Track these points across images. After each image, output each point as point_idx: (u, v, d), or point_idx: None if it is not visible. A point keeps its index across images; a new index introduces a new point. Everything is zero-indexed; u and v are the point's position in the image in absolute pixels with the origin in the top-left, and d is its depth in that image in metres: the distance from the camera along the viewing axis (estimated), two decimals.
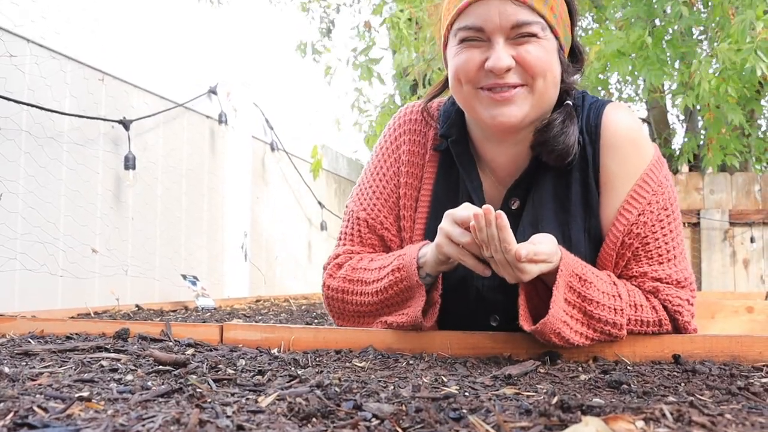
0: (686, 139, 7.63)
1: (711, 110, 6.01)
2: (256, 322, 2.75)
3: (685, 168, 7.21)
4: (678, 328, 1.61)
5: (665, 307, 1.58)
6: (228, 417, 0.89)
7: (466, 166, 1.71)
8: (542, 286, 1.52)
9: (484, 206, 1.38)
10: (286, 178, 6.02)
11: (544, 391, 1.15)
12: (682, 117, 7.67)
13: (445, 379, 1.24)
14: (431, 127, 1.78)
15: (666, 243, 1.60)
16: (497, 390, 1.15)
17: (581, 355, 1.53)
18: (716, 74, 5.28)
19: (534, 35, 1.50)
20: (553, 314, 1.42)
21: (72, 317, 2.37)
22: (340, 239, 1.86)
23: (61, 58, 3.29)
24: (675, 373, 1.34)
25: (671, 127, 8.31)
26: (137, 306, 3.26)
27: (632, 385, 1.18)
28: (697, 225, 6.62)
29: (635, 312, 1.55)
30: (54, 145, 3.23)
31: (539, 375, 1.32)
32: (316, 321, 2.89)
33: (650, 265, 1.60)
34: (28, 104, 3.01)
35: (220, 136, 4.81)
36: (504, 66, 1.49)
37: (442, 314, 1.72)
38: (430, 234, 1.70)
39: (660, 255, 1.60)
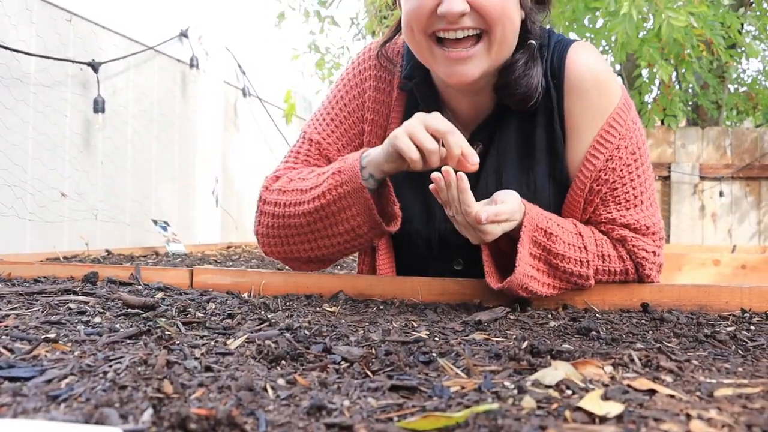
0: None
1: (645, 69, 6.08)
2: (227, 267, 2.74)
3: (656, 121, 7.25)
4: (641, 277, 1.60)
5: (631, 257, 1.58)
6: (196, 359, 0.89)
7: (431, 110, 1.66)
8: (506, 239, 1.49)
9: (443, 168, 1.33)
10: (258, 123, 5.96)
11: (514, 336, 1.15)
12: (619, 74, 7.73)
13: (415, 324, 1.25)
14: (397, 64, 1.72)
15: (634, 188, 1.57)
16: (467, 335, 1.16)
17: (551, 303, 1.54)
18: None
19: None
20: (519, 271, 1.41)
21: (41, 261, 2.34)
22: (285, 158, 1.76)
23: None
24: (643, 321, 1.35)
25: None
26: (107, 251, 3.23)
27: (601, 332, 1.18)
28: (667, 178, 6.67)
29: (603, 262, 1.55)
30: (20, 87, 3.15)
31: (509, 321, 1.33)
32: (286, 267, 2.89)
33: (618, 211, 1.57)
34: None
35: (191, 81, 4.73)
36: (457, 11, 1.41)
37: (404, 259, 1.73)
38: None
39: (628, 200, 1.57)
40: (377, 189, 1.52)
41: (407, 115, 1.65)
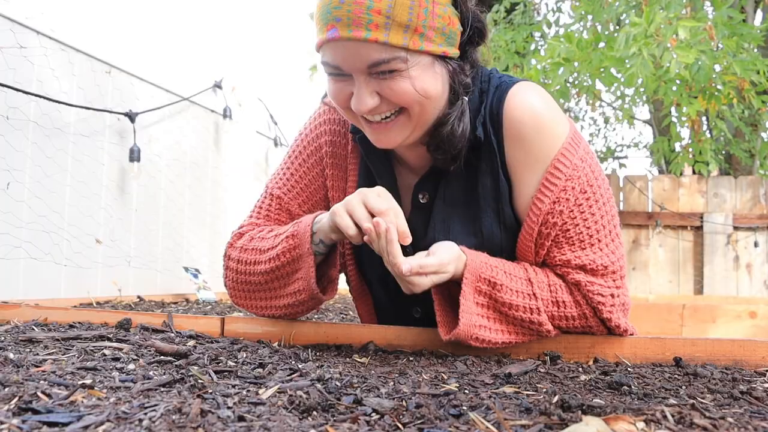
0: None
1: (693, 119, 6.04)
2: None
3: (688, 170, 7.20)
4: (602, 321, 1.56)
5: (587, 301, 1.54)
6: (229, 408, 0.90)
7: (376, 163, 1.66)
8: (457, 288, 1.49)
9: (374, 219, 1.38)
10: None
11: (545, 390, 1.15)
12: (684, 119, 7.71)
13: (445, 377, 1.25)
14: None
15: (588, 227, 1.52)
16: (497, 388, 1.16)
17: (581, 356, 1.53)
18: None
19: (395, 70, 1.40)
20: (464, 322, 1.43)
21: (75, 306, 2.38)
22: (250, 213, 1.80)
23: (69, 50, 3.29)
24: (676, 376, 1.34)
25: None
26: (139, 297, 3.26)
27: (633, 387, 1.18)
28: (700, 228, 6.61)
29: (557, 308, 1.52)
30: (60, 136, 3.24)
31: (539, 374, 1.32)
32: (316, 316, 2.90)
33: (573, 252, 1.53)
34: (36, 95, 3.01)
35: (224, 131, 4.81)
36: (366, 109, 1.43)
37: (377, 306, 1.78)
38: None
39: (582, 240, 1.53)
40: (328, 252, 1.59)
41: (363, 166, 1.70)
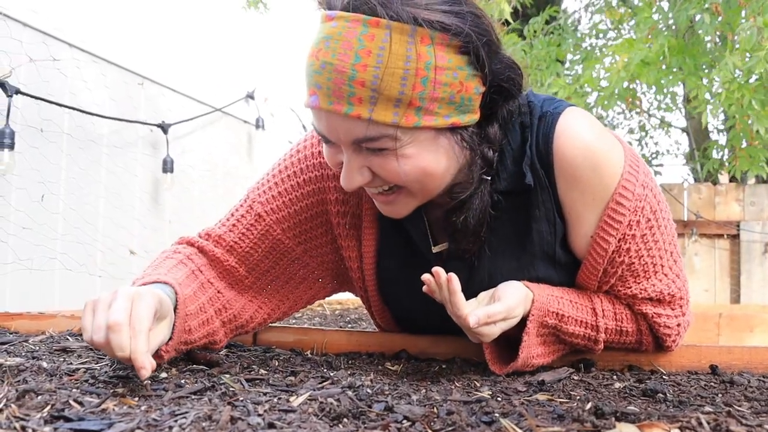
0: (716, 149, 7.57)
1: (739, 121, 5.89)
2: (289, 325, 2.76)
3: (725, 178, 7.08)
4: (660, 347, 1.51)
5: (652, 331, 1.49)
6: (259, 415, 0.90)
7: (409, 218, 1.42)
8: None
9: (434, 268, 1.25)
10: None
11: (578, 397, 1.13)
12: (721, 127, 7.58)
13: (477, 384, 1.24)
14: None
15: (652, 257, 1.41)
16: (530, 396, 1.15)
17: (615, 364, 1.51)
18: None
19: (385, 149, 1.22)
20: (522, 357, 1.35)
21: None
22: (225, 219, 1.59)
23: (101, 62, 3.34)
24: (712, 384, 1.31)
25: (710, 137, 8.22)
26: None
27: (668, 395, 1.16)
28: (736, 237, 6.50)
29: (620, 337, 1.47)
30: (94, 148, 3.28)
31: (572, 382, 1.31)
32: (349, 325, 2.90)
33: (638, 284, 1.43)
34: (69, 107, 3.06)
35: (257, 141, 4.85)
36: (354, 186, 1.27)
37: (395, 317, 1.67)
38: (383, 271, 1.56)
39: (647, 271, 1.42)
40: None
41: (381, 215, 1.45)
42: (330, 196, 1.52)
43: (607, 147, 1.37)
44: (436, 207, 1.44)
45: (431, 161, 1.24)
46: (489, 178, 1.36)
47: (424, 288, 1.28)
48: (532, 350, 1.37)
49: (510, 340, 1.41)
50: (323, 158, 1.46)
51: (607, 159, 1.35)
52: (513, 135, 1.39)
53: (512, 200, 1.40)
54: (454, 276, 1.23)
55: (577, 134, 1.36)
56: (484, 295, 1.36)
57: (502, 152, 1.38)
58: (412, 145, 1.22)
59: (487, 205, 1.36)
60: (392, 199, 1.32)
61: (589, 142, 1.35)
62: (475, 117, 1.26)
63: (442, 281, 1.24)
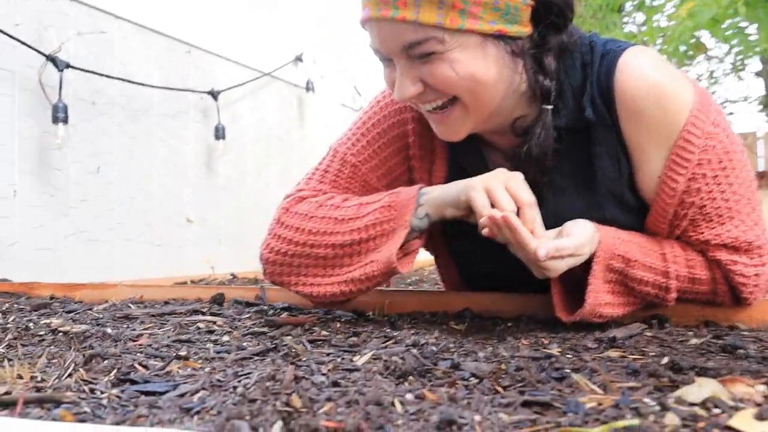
0: None
1: None
2: None
3: None
4: (737, 300, 1.46)
5: (726, 281, 1.43)
6: (323, 374, 0.90)
7: (463, 152, 1.51)
8: (581, 264, 1.36)
9: (487, 213, 1.25)
10: None
11: (652, 354, 1.11)
12: None
13: (545, 341, 1.22)
14: None
15: (727, 200, 1.37)
16: (601, 352, 1.13)
17: (691, 319, 1.48)
18: None
19: (433, 53, 1.26)
20: (590, 303, 1.32)
21: (171, 286, 2.45)
22: (310, 176, 1.64)
23: (148, 32, 3.37)
24: None
25: None
26: (233, 274, 3.34)
27: (749, 350, 1.12)
28: None
29: (692, 285, 1.42)
30: (145, 118, 3.33)
31: (645, 338, 1.28)
32: (411, 286, 2.90)
33: (711, 229, 1.39)
34: (119, 78, 3.10)
35: (307, 104, 4.85)
36: (406, 96, 1.32)
37: (487, 279, 1.66)
38: None
39: (721, 215, 1.38)
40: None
41: (452, 148, 1.53)
42: (411, 126, 1.56)
43: (672, 81, 1.35)
44: (497, 149, 1.50)
45: (480, 67, 1.28)
46: (550, 107, 1.37)
47: (484, 231, 1.28)
48: (600, 297, 1.34)
49: (576, 294, 1.39)
50: (401, 104, 1.55)
51: (672, 93, 1.33)
52: (573, 73, 1.39)
53: (573, 138, 1.41)
54: (509, 213, 1.23)
55: (640, 68, 1.35)
56: (550, 233, 1.34)
57: (562, 89, 1.39)
58: (459, 50, 1.26)
59: (550, 135, 1.37)
60: (446, 115, 1.35)
61: (652, 75, 1.34)
62: (524, 30, 1.29)
63: (499, 222, 1.24)
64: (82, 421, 0.72)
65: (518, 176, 1.33)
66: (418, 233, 1.41)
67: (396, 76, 1.32)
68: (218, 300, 1.74)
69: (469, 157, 1.51)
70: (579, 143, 1.41)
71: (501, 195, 1.28)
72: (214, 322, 1.43)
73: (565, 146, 1.40)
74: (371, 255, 1.41)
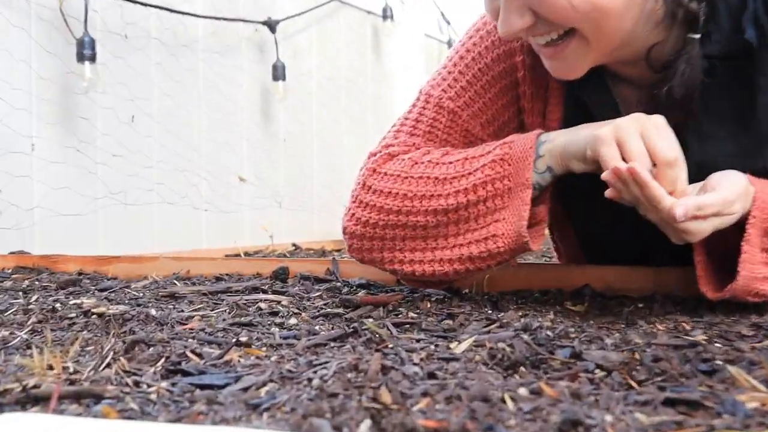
0: None
1: None
2: None
3: None
4: None
5: None
6: (416, 364, 0.91)
7: (587, 90, 1.50)
8: (732, 229, 1.32)
9: (612, 167, 1.20)
10: None
11: None
12: None
13: (686, 327, 1.21)
14: None
15: None
16: (759, 341, 1.10)
17: None
18: None
19: None
20: (744, 275, 1.27)
21: (221, 259, 2.50)
22: (398, 127, 1.62)
23: None
24: None
25: None
26: (294, 245, 3.39)
27: None
28: None
29: None
30: (189, 55, 3.37)
31: None
32: None
33: None
34: (156, 6, 3.14)
35: (385, 35, 4.84)
36: (512, 31, 1.31)
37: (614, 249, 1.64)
38: None
39: None
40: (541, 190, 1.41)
41: (568, 84, 1.50)
42: (517, 59, 1.54)
43: None
44: (630, 83, 1.47)
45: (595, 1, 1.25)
46: (697, 36, 1.33)
47: (607, 192, 1.25)
48: (757, 269, 1.29)
49: (726, 265, 1.35)
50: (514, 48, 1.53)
51: None
52: None
53: (729, 67, 1.36)
54: (637, 165, 1.19)
55: None
56: (691, 188, 1.29)
57: (714, 7, 1.34)
58: None
59: (698, 69, 1.33)
60: (562, 49, 1.33)
61: None
62: None
63: (624, 176, 1.20)
64: (129, 418, 0.74)
65: (659, 123, 1.28)
66: (538, 192, 1.39)
67: (500, 5, 1.31)
68: (281, 275, 1.77)
69: (593, 94, 1.49)
70: (736, 74, 1.37)
71: (635, 147, 1.23)
72: (279, 302, 1.45)
73: (719, 78, 1.36)
74: (482, 221, 1.39)
